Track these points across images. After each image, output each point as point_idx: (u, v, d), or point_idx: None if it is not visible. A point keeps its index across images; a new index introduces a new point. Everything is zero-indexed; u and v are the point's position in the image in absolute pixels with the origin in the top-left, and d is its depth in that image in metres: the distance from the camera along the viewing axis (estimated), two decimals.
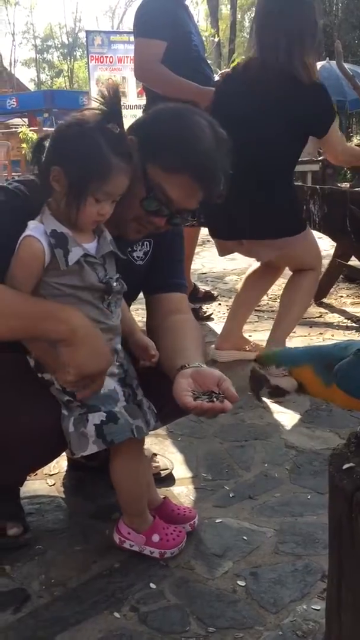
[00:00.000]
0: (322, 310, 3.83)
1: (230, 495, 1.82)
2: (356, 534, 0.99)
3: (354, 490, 0.98)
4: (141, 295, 1.75)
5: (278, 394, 1.15)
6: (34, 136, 12.42)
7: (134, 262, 1.63)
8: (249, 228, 2.66)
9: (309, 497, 1.80)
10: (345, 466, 1.03)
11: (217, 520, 1.69)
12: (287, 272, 3.00)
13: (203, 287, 4.14)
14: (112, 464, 1.47)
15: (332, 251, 4.29)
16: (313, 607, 1.36)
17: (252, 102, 2.60)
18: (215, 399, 1.29)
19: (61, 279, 1.36)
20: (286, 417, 2.35)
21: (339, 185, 7.79)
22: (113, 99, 1.35)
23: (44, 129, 13.39)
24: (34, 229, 1.36)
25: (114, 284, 1.42)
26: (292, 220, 2.75)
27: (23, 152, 12.60)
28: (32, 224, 1.37)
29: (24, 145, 12.56)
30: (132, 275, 1.58)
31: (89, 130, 1.32)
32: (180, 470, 1.96)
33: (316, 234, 4.89)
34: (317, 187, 3.61)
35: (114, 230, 1.47)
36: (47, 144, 1.38)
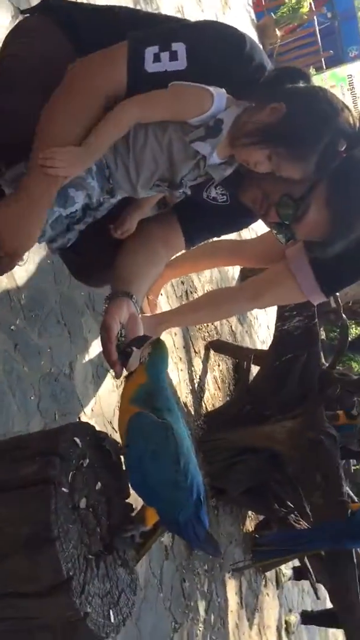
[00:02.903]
0: None
1: None
2: None
3: None
4: None
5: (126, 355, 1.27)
6: None
7: (208, 201, 1.62)
8: None
9: None
10: None
11: None
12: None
13: None
14: None
15: None
16: None
17: None
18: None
19: (183, 135, 1.32)
20: None
21: None
22: None
23: None
24: (219, 93, 1.29)
25: (187, 186, 1.39)
26: None
27: None
28: (220, 90, 1.29)
29: None
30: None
31: (331, 123, 1.27)
32: None
33: None
34: None
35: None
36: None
